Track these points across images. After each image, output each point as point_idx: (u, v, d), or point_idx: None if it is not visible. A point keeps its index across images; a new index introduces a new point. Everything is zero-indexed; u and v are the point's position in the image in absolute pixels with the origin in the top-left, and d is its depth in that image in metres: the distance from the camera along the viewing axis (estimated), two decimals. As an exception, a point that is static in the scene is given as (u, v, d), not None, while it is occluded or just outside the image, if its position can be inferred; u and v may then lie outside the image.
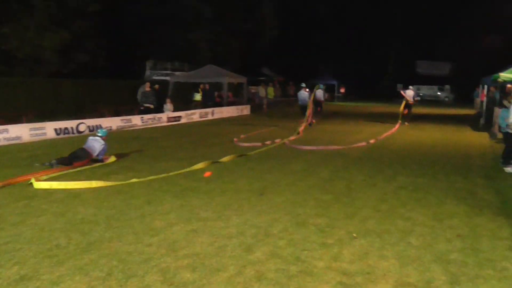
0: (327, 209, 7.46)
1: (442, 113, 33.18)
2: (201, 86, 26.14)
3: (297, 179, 9.68)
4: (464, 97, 47.12)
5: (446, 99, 54.39)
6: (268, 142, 15.15)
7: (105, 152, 11.44)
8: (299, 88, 22.61)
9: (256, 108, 31.49)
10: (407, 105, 23.15)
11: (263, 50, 45.99)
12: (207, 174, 9.86)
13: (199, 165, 10.71)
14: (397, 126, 21.60)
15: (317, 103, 23.55)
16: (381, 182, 9.58)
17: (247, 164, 11.25)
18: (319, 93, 24.15)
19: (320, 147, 14.07)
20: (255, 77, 40.54)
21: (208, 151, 13.12)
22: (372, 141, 15.83)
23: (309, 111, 19.83)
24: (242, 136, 17.05)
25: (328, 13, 55.05)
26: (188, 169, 10.40)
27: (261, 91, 33.95)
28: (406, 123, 22.48)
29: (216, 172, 10.10)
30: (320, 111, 24.27)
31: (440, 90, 55.30)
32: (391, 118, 26.19)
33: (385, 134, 18.25)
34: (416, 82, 56.53)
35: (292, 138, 16.65)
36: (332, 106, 40.21)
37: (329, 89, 47.87)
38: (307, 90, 22.04)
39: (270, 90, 34.38)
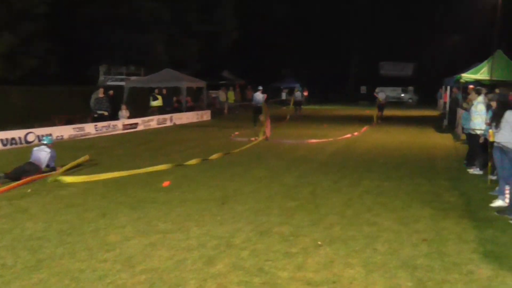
0: (291, 216, 7.48)
1: (406, 115, 33.97)
2: (156, 90, 25.84)
3: (261, 186, 9.70)
4: (428, 98, 48.31)
5: (410, 100, 55.55)
6: (253, 139, 17.04)
7: (55, 159, 11.21)
8: (256, 91, 23.47)
9: (217, 113, 31.47)
10: (380, 106, 28.31)
11: (223, 53, 45.99)
12: (166, 183, 9.75)
13: (192, 161, 11.88)
14: (365, 128, 22.40)
15: (297, 103, 31.17)
16: (346, 187, 9.71)
17: (208, 172, 11.21)
18: (298, 94, 31.31)
19: (305, 141, 14.97)
20: (215, 81, 40.48)
21: (167, 159, 12.94)
22: (356, 133, 17.08)
23: (266, 122, 18.28)
24: (234, 134, 17.39)
25: (290, 13, 55.53)
26: (151, 169, 10.45)
27: (222, 95, 33.92)
28: (379, 121, 26.15)
29: (175, 181, 10.00)
30: (299, 112, 30.67)
31: (404, 91, 56.32)
32: (357, 121, 26.84)
33: (356, 133, 18.73)
34: (380, 84, 57.57)
35: (260, 138, 17.41)
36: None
37: (291, 92, 48.38)
38: (263, 92, 22.80)
39: (231, 94, 34.39)
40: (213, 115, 29.70)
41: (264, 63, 54.87)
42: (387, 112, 35.04)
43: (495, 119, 8.50)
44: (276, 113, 32.93)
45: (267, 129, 18.01)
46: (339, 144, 16.80)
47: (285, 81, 50.43)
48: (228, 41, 45.02)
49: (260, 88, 22.91)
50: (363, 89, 56.22)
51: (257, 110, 22.08)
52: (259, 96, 22.31)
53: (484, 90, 12.19)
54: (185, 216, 7.50)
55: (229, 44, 45.56)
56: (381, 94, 29.05)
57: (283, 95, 45.73)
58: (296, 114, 31.15)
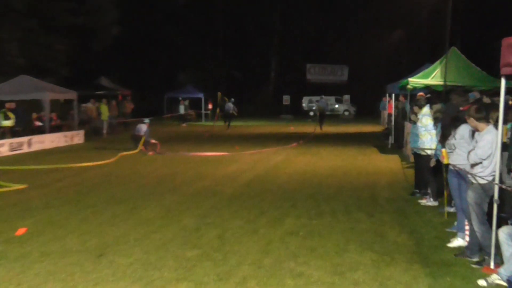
0: (191, 270, 7.39)
1: (342, 132, 34.69)
2: (7, 105, 24.78)
3: (151, 230, 9.56)
4: (368, 109, 49.99)
5: (346, 113, 57.07)
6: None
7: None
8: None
9: (92, 134, 30.90)
10: (321, 115, 35.11)
11: (101, 54, 45.20)
12: (21, 231, 9.38)
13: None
14: (295, 144, 23.69)
15: (227, 116, 37.91)
16: (264, 227, 9.72)
17: (80, 214, 10.90)
18: (230, 106, 38.10)
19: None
20: (90, 90, 39.54)
21: (19, 199, 12.57)
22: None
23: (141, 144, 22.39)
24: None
25: (189, 5, 55.78)
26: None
27: (90, 109, 32.93)
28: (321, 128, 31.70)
29: (34, 227, 9.65)
30: (228, 124, 37.15)
31: (338, 101, 57.80)
32: (277, 140, 27.16)
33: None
34: (308, 93, 58.81)
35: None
36: (198, 127, 40.44)
37: (193, 105, 48.45)
38: (147, 123, 23.98)
39: (104, 108, 33.31)
40: (87, 136, 28.91)
41: (156, 67, 54.51)
42: (317, 129, 35.98)
43: (445, 135, 8.89)
44: (175, 132, 33.10)
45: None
46: (255, 171, 16.93)
47: (184, 90, 50.12)
48: (107, 39, 44.35)
49: (147, 121, 23.90)
50: (286, 99, 56.72)
51: (136, 138, 23.23)
52: (142, 127, 23.41)
53: (423, 101, 12.79)
54: (47, 275, 7.22)
55: (108, 43, 44.90)
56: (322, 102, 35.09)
57: (181, 109, 45.33)
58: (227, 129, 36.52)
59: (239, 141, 28.19)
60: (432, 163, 10.87)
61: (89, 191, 13.66)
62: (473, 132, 8.03)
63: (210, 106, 51.33)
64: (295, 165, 18.48)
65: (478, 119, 7.65)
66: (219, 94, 42.62)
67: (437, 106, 11.46)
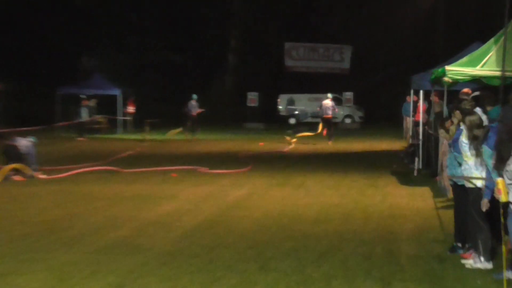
0: None
1: (341, 150, 34.36)
2: None
3: None
4: (383, 115, 49.89)
5: (348, 120, 55.95)
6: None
7: None
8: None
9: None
10: (326, 121, 36.41)
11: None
12: None
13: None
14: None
15: (193, 119, 42.43)
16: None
17: None
18: (191, 105, 42.87)
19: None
20: None
21: None
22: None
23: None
24: None
25: None
26: None
27: None
28: (329, 143, 33.95)
29: None
30: (194, 128, 41.99)
31: (336, 101, 56.75)
32: (241, 162, 27.03)
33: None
34: (285, 88, 58.38)
35: None
36: (111, 142, 40.35)
37: (104, 107, 46.41)
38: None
39: None
40: None
41: (42, 45, 53.82)
42: (301, 147, 35.57)
43: (501, 157, 8.65)
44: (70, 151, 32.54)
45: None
46: (203, 213, 16.45)
47: (90, 83, 48.35)
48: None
49: (32, 140, 24.10)
50: (252, 98, 55.54)
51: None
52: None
53: (468, 103, 12.43)
54: None
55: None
56: (325, 102, 39.20)
57: (83, 112, 43.63)
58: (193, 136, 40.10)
59: (178, 163, 27.89)
60: (484, 205, 10.27)
61: None
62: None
63: (131, 109, 49.40)
64: (266, 204, 17.85)
65: None
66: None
67: (473, 118, 11.00)
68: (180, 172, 24.38)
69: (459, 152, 11.36)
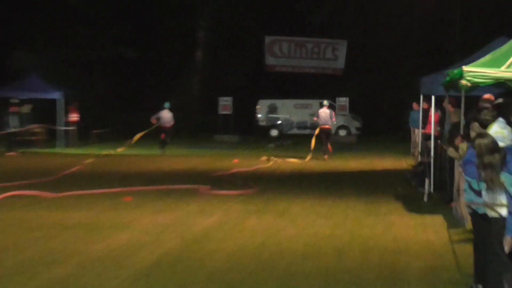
0: None
1: (334, 169, 34.46)
2: None
3: None
4: (385, 125, 50.08)
5: (343, 132, 56.39)
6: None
7: None
8: None
9: None
10: (325, 133, 38.77)
11: None
12: None
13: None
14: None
15: (165, 131, 44.19)
16: None
17: None
18: (168, 116, 44.22)
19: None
20: None
21: None
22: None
23: None
24: None
25: None
26: None
27: None
28: (325, 157, 36.58)
29: None
30: (163, 146, 44.32)
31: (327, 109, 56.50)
32: (211, 183, 26.75)
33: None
34: (265, 92, 58.52)
35: None
36: (48, 157, 40.08)
37: (41, 114, 45.85)
38: None
39: None
40: None
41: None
42: (284, 166, 35.41)
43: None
44: None
45: None
46: (163, 247, 16.06)
47: (24, 85, 47.76)
48: None
49: None
50: (225, 104, 55.60)
51: None
52: None
53: (489, 113, 12.11)
54: None
55: None
56: (323, 111, 40.33)
57: (13, 121, 42.68)
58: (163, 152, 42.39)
59: (135, 183, 27.77)
60: (508, 243, 9.93)
61: None
62: None
63: (74, 117, 48.77)
64: (242, 235, 17.33)
65: None
66: None
67: (484, 141, 10.41)
68: (136, 194, 23.81)
69: (473, 177, 10.69)
